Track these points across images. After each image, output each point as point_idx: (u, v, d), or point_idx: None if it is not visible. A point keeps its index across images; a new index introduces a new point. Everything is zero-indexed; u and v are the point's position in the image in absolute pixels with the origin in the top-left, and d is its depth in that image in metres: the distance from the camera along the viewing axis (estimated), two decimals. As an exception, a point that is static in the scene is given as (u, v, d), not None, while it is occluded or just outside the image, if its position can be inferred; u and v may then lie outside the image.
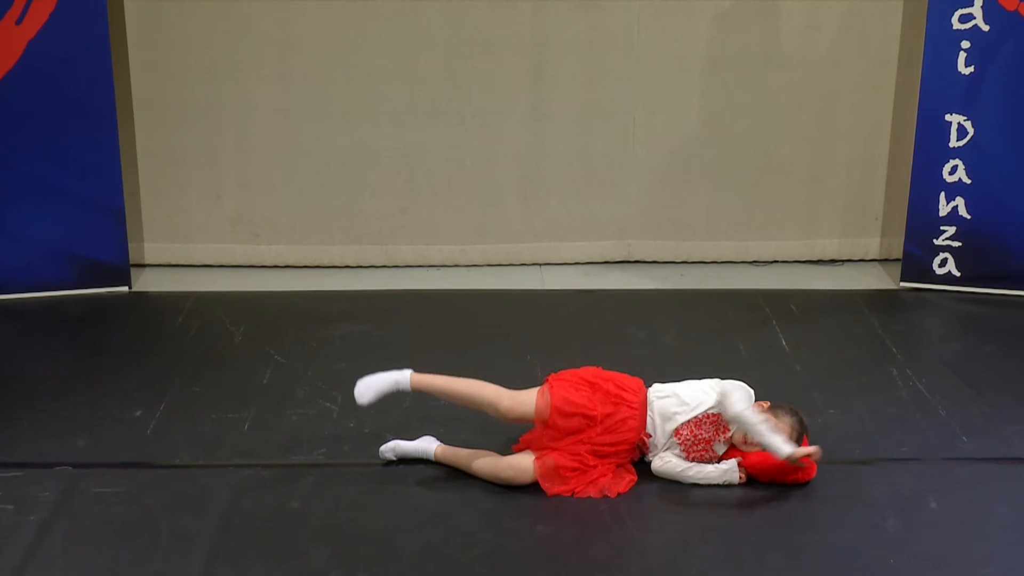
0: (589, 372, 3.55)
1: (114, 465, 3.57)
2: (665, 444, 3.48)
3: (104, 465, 3.56)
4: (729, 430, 3.47)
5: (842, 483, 3.48)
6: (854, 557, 3.12)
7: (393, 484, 3.44)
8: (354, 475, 3.53)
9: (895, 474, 3.54)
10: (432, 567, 3.08)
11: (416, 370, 3.54)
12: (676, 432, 3.46)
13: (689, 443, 3.46)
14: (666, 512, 3.35)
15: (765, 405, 3.50)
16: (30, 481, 3.45)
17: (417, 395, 3.91)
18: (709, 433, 3.47)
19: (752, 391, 3.49)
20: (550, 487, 3.40)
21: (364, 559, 3.11)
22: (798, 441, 3.41)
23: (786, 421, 3.44)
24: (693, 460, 3.48)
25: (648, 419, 3.48)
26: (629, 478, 3.46)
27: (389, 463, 3.53)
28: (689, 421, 3.46)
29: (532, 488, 3.43)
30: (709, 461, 3.48)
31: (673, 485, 3.48)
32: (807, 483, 3.46)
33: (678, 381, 3.58)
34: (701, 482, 3.44)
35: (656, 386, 3.56)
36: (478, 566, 3.09)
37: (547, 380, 3.52)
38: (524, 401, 3.47)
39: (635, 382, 3.55)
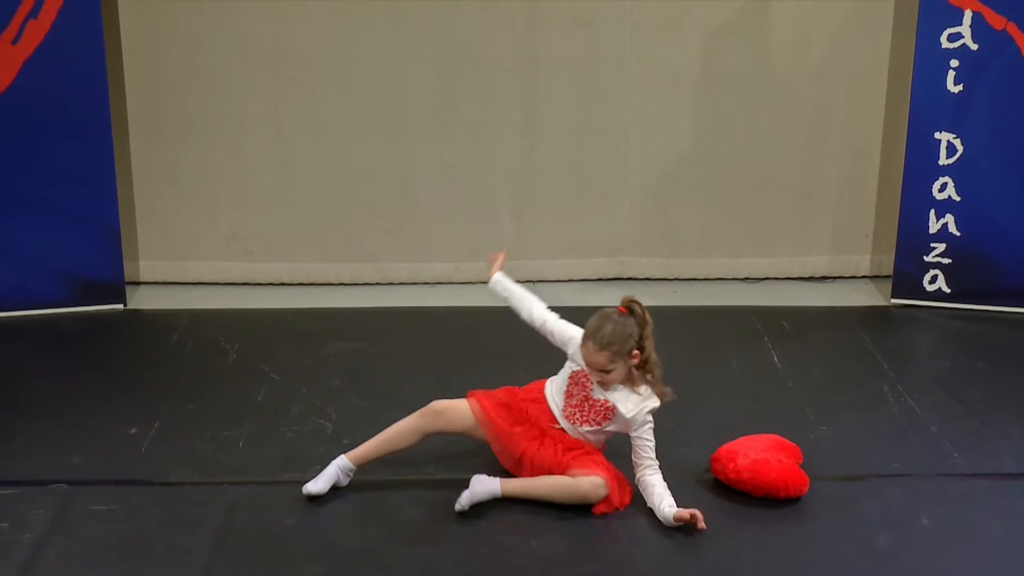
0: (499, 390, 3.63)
1: (109, 482, 3.57)
2: (573, 430, 3.51)
3: (99, 482, 3.56)
4: (590, 385, 3.48)
5: (834, 499, 3.49)
6: (846, 573, 3.13)
7: (388, 501, 3.44)
8: (348, 492, 3.52)
9: (887, 490, 3.55)
10: (425, 583, 3.09)
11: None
12: (565, 417, 3.50)
13: (580, 416, 3.50)
14: (659, 527, 3.34)
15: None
16: (25, 498, 3.44)
17: (412, 410, 3.91)
18: (581, 394, 3.49)
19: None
20: (614, 500, 3.41)
21: (355, 572, 3.11)
22: (641, 341, 3.43)
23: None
24: (598, 424, 3.48)
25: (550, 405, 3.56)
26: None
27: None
28: (565, 399, 3.52)
29: (524, 504, 3.42)
30: (605, 412, 3.47)
31: (673, 497, 3.47)
32: (799, 499, 3.45)
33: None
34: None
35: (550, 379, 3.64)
36: (471, 581, 3.10)
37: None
38: (456, 409, 3.51)
39: (536, 384, 3.65)
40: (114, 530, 3.30)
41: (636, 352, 3.41)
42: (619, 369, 3.40)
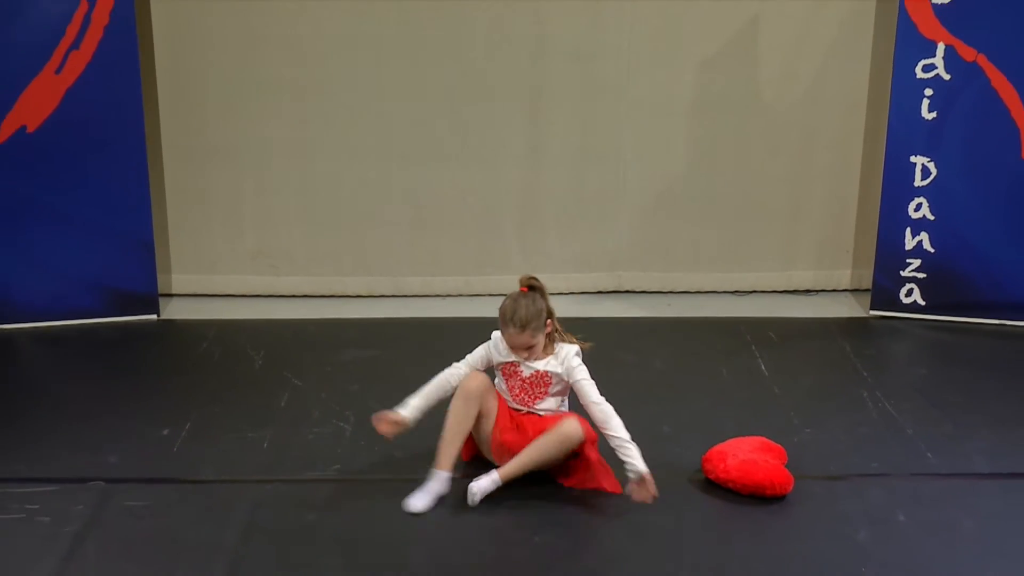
0: None
1: (143, 480, 3.58)
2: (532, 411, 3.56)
3: (133, 480, 3.57)
4: (520, 368, 3.54)
5: (818, 497, 3.49)
6: (829, 566, 3.12)
7: (402, 498, 3.43)
8: (366, 490, 3.53)
9: (866, 489, 3.55)
10: (434, 570, 3.09)
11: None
12: (519, 404, 3.56)
13: (528, 397, 3.55)
14: (654, 524, 3.34)
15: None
16: (65, 495, 3.46)
17: (427, 415, 3.92)
18: (516, 379, 3.57)
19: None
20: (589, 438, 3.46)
21: (374, 568, 3.11)
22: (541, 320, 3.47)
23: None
24: (545, 394, 3.54)
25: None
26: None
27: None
28: (511, 395, 3.58)
29: (533, 499, 3.43)
30: (543, 380, 3.53)
31: (663, 498, 3.43)
32: (784, 497, 3.46)
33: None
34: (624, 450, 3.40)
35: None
36: (475, 568, 3.10)
37: None
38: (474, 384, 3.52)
39: None
40: (147, 525, 3.31)
41: (549, 321, 3.52)
42: (540, 341, 3.50)
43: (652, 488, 3.32)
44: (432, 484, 3.42)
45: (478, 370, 3.59)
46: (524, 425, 3.51)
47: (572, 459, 3.49)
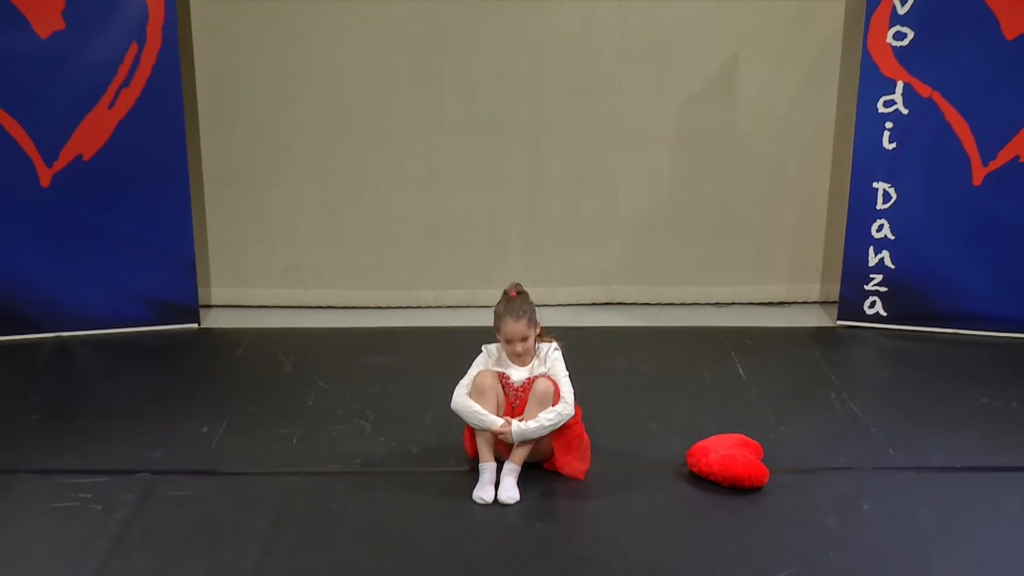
0: None
1: (184, 472, 3.58)
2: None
3: (176, 472, 3.58)
4: (511, 380, 3.50)
5: (790, 488, 3.48)
6: (801, 550, 3.12)
7: (417, 489, 3.44)
8: (384, 481, 3.53)
9: (834, 481, 3.55)
10: (448, 559, 3.08)
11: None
12: (520, 420, 3.45)
13: (516, 400, 3.50)
14: (644, 512, 3.35)
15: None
16: (114, 485, 3.47)
17: (438, 413, 3.93)
18: (512, 392, 3.52)
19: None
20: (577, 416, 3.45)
21: (391, 551, 3.11)
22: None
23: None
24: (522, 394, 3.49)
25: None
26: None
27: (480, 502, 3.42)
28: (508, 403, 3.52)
29: (534, 489, 3.42)
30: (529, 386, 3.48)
31: (651, 489, 3.47)
32: (761, 489, 3.45)
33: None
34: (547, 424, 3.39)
35: None
36: (486, 558, 3.09)
37: None
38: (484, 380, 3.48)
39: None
40: (188, 512, 3.32)
41: (538, 323, 3.52)
42: (531, 337, 3.48)
43: (509, 438, 3.39)
44: (486, 475, 3.40)
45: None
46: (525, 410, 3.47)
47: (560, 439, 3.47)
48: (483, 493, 3.37)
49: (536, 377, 3.51)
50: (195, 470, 3.60)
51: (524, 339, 3.47)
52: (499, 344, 3.57)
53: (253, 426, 3.96)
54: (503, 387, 3.51)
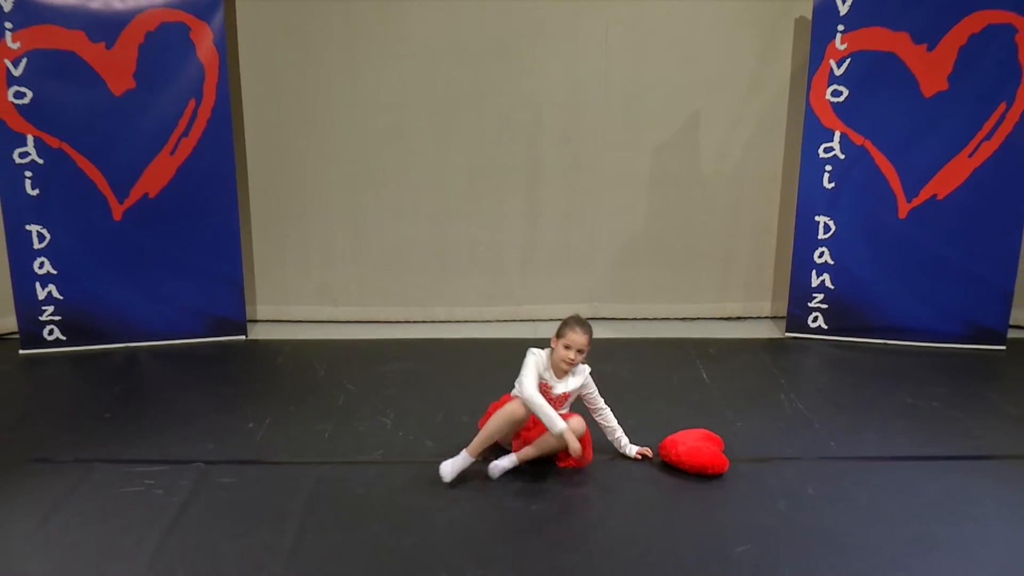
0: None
1: (233, 462, 3.58)
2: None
3: (226, 462, 3.57)
4: (552, 388, 3.43)
5: (747, 476, 3.48)
6: (756, 528, 3.12)
7: (431, 476, 3.43)
8: (403, 469, 3.52)
9: (784, 469, 3.54)
10: (457, 535, 3.08)
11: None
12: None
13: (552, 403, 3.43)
14: (624, 496, 3.34)
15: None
16: (174, 473, 3.47)
17: (448, 412, 3.93)
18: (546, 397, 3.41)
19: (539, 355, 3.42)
20: (583, 452, 3.40)
21: (409, 529, 3.11)
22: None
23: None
24: (560, 407, 3.44)
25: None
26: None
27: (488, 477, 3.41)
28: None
29: (530, 476, 3.41)
30: (564, 400, 3.47)
31: (629, 476, 3.45)
32: (722, 476, 3.45)
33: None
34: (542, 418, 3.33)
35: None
36: (489, 534, 3.09)
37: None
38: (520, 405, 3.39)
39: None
40: (236, 496, 3.32)
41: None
42: (585, 353, 3.42)
43: (649, 452, 3.52)
44: (459, 460, 3.37)
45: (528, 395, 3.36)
46: (540, 423, 3.41)
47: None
48: (445, 468, 3.33)
49: (569, 403, 3.49)
50: (242, 460, 3.60)
51: (581, 351, 3.39)
52: (548, 351, 3.45)
53: (291, 422, 3.95)
54: (542, 392, 3.40)
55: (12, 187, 4.63)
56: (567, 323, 3.44)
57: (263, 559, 2.92)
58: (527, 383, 3.36)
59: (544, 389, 3.43)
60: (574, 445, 3.30)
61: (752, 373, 4.60)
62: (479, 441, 3.39)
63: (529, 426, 3.46)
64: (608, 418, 3.57)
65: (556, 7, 5.03)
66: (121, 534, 3.06)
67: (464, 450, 3.39)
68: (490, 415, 3.49)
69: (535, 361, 3.43)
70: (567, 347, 3.40)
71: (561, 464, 3.48)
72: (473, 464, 3.40)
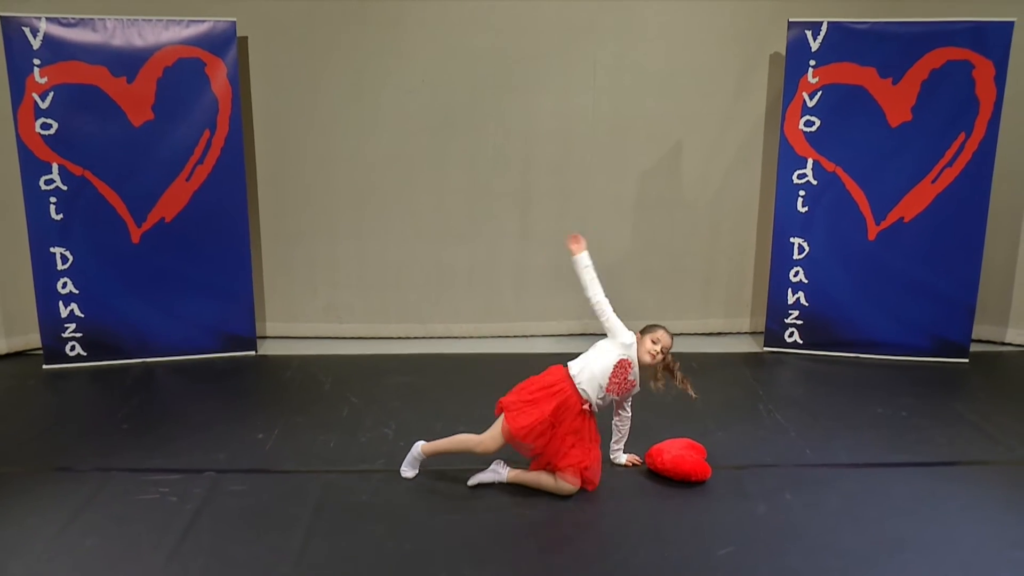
0: (523, 388, 3.32)
1: (243, 471, 3.57)
2: (600, 399, 3.33)
3: (236, 471, 3.56)
4: (632, 369, 3.33)
5: (728, 482, 3.48)
6: (737, 532, 3.12)
7: (430, 484, 3.43)
8: (403, 478, 3.51)
9: (763, 475, 3.54)
10: (456, 539, 3.07)
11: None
12: (607, 389, 3.32)
13: (616, 388, 3.35)
14: (612, 502, 3.33)
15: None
16: (187, 481, 3.46)
17: (447, 423, 3.92)
18: (622, 375, 3.34)
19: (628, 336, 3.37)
20: (589, 484, 3.34)
21: (409, 532, 3.10)
22: (658, 355, 3.31)
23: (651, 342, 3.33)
24: (623, 393, 3.36)
25: (579, 391, 3.30)
26: (597, 454, 3.36)
27: (476, 486, 3.39)
28: (610, 378, 3.32)
29: (523, 486, 3.40)
30: (630, 389, 3.37)
31: (618, 483, 3.44)
32: (705, 482, 3.45)
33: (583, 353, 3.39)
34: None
35: (570, 364, 3.37)
36: (485, 538, 3.08)
37: (499, 404, 3.33)
38: (494, 438, 3.28)
39: (556, 370, 3.36)
40: (246, 503, 3.31)
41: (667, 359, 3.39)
42: (662, 360, 3.35)
43: (637, 460, 3.50)
44: (415, 460, 3.43)
45: (607, 322, 3.36)
46: (547, 451, 3.31)
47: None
48: (482, 476, 3.36)
49: (627, 398, 3.43)
50: (251, 469, 3.59)
51: (664, 350, 3.33)
52: (638, 345, 3.34)
53: (299, 433, 3.94)
54: (620, 368, 3.31)
55: (38, 212, 4.64)
56: (655, 326, 3.41)
57: (272, 563, 2.91)
58: (608, 307, 3.36)
59: (625, 367, 3.33)
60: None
61: (733, 385, 4.61)
62: (437, 447, 3.38)
63: (538, 452, 3.34)
64: (625, 425, 3.53)
65: (549, 47, 5.09)
66: (137, 539, 3.05)
67: (423, 448, 3.39)
68: (498, 413, 3.32)
69: (631, 343, 3.35)
70: (654, 342, 3.34)
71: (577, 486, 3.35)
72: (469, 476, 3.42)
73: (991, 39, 4.60)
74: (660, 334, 3.40)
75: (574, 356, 5.02)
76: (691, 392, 3.42)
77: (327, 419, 4.10)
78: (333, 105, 5.10)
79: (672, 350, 3.41)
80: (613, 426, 3.56)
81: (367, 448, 3.79)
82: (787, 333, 5.12)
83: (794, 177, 4.91)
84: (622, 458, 3.56)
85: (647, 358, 3.37)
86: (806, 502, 3.32)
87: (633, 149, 5.23)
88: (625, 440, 3.58)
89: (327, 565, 2.90)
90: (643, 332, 3.43)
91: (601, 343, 3.42)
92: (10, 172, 4.73)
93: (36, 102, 4.53)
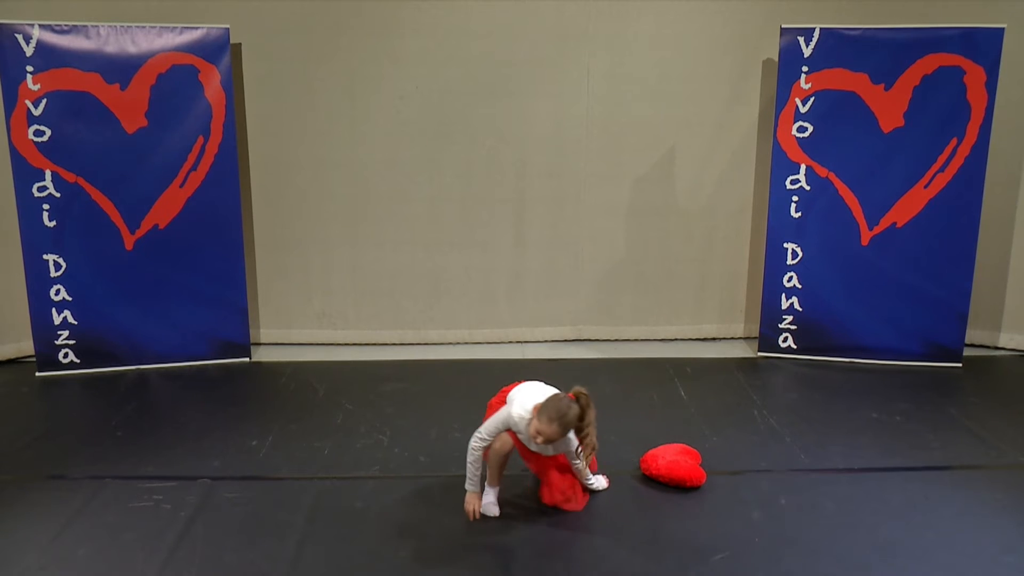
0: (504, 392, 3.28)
1: (237, 478, 3.56)
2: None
3: (230, 478, 3.56)
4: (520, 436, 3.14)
5: (723, 487, 3.49)
6: (732, 537, 3.12)
7: (424, 491, 3.43)
8: (398, 485, 3.52)
9: (757, 481, 3.55)
10: (449, 545, 3.07)
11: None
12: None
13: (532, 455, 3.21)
14: (606, 508, 3.34)
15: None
16: (181, 488, 3.45)
17: (442, 429, 3.92)
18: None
19: (541, 393, 3.08)
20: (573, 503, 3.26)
21: (405, 539, 3.10)
22: (573, 425, 2.98)
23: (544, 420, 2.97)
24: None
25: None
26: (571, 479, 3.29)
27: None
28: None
29: (518, 492, 3.40)
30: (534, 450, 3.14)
31: (612, 488, 3.44)
32: (700, 488, 3.46)
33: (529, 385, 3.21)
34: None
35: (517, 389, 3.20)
36: (480, 544, 3.08)
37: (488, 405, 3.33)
38: (500, 436, 3.18)
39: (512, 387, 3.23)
40: (241, 510, 3.30)
41: (582, 438, 3.09)
42: (555, 436, 2.99)
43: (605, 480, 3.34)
44: (490, 494, 3.26)
45: (504, 428, 3.15)
46: (541, 457, 3.27)
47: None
48: (491, 508, 3.23)
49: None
50: (246, 476, 3.58)
51: (548, 441, 3.02)
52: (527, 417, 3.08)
53: (293, 440, 3.94)
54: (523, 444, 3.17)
55: (31, 219, 4.63)
56: (543, 407, 2.98)
57: (266, 570, 2.91)
58: (484, 429, 3.15)
59: (513, 436, 3.17)
60: (469, 509, 3.12)
61: (727, 390, 4.62)
62: (492, 473, 3.26)
63: (529, 459, 3.33)
64: (581, 472, 3.28)
65: (543, 54, 5.10)
66: (131, 547, 3.04)
67: (487, 485, 3.27)
68: (489, 414, 3.29)
69: (509, 419, 3.13)
70: (536, 432, 3.01)
71: (547, 502, 3.29)
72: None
73: (982, 45, 4.63)
74: (536, 425, 2.96)
75: (568, 363, 5.07)
76: (588, 479, 3.28)
77: (321, 426, 4.10)
78: (327, 112, 5.10)
79: (593, 410, 3.05)
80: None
81: (361, 455, 3.78)
82: (781, 338, 5.13)
83: (787, 183, 4.93)
84: (599, 484, 3.39)
85: (533, 445, 3.13)
86: (801, 507, 3.33)
87: (627, 155, 5.24)
88: (589, 478, 3.34)
89: (321, 572, 2.90)
90: (541, 409, 3.01)
91: (525, 387, 3.20)
92: (3, 179, 4.72)
93: (29, 109, 4.53)
